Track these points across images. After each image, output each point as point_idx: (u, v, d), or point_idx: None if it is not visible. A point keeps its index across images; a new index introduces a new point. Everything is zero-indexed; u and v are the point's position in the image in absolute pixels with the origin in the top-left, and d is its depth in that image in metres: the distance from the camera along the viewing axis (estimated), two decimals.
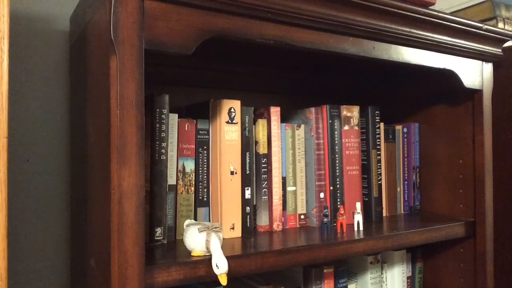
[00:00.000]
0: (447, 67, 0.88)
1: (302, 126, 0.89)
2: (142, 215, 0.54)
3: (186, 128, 0.77)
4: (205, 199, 0.78)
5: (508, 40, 0.94)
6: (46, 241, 0.86)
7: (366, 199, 0.94)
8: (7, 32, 0.46)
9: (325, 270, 0.86)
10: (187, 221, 0.67)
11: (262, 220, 0.83)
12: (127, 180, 0.53)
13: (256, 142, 0.83)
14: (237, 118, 0.77)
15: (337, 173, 0.89)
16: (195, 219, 0.77)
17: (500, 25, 1.09)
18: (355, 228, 0.83)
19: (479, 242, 0.93)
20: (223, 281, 0.57)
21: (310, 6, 0.67)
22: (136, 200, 0.54)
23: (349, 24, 0.72)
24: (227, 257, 0.58)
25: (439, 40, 0.84)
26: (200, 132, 0.78)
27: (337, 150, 0.89)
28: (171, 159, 0.74)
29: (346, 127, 0.91)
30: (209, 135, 0.79)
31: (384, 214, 0.99)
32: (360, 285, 0.95)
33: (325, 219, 0.81)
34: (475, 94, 0.94)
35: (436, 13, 0.80)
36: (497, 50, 0.94)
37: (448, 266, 1.00)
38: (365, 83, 1.18)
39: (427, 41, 0.82)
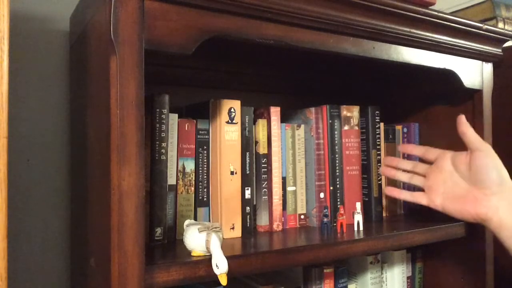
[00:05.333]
0: (447, 67, 0.88)
1: (302, 126, 0.89)
2: (142, 215, 0.54)
3: (186, 128, 0.77)
4: (205, 199, 0.78)
5: (508, 40, 0.94)
6: (46, 241, 0.86)
7: (366, 199, 0.94)
8: (7, 32, 0.46)
9: (325, 270, 0.86)
10: (187, 221, 0.66)
11: (262, 220, 0.83)
12: (127, 180, 0.53)
13: (256, 142, 0.83)
14: (237, 118, 0.77)
15: (337, 173, 0.89)
16: (195, 219, 0.77)
17: (500, 25, 1.09)
18: (355, 228, 0.83)
19: (479, 242, 0.93)
20: (223, 281, 0.57)
21: (310, 6, 0.67)
22: (136, 200, 0.54)
23: (349, 24, 0.72)
24: (227, 257, 0.58)
25: (439, 40, 0.84)
26: (200, 132, 0.78)
27: (337, 150, 0.89)
28: (171, 159, 0.74)
29: (346, 127, 0.91)
30: (209, 135, 0.79)
31: (384, 214, 0.99)
32: (360, 285, 0.95)
33: (325, 219, 0.81)
34: (475, 94, 0.94)
35: (436, 13, 0.80)
36: (497, 50, 0.94)
37: (448, 266, 1.00)
38: (365, 83, 1.18)
39: (427, 41, 0.82)
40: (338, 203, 0.89)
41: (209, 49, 0.71)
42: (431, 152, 0.85)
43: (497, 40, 0.93)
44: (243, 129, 0.79)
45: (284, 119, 0.87)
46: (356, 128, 0.92)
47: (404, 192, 0.88)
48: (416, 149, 0.89)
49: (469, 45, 0.88)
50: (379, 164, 0.95)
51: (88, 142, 0.69)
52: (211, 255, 0.59)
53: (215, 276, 0.58)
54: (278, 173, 0.84)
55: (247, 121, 0.80)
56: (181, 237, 0.74)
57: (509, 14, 1.11)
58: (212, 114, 0.78)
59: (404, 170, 0.89)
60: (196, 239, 0.61)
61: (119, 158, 0.53)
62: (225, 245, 0.69)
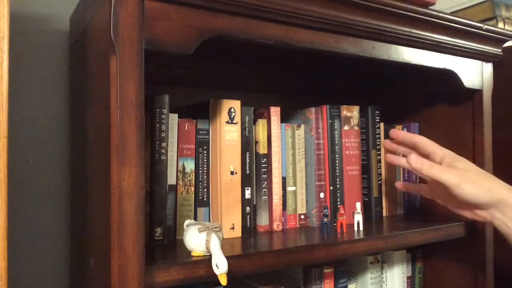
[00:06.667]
0: (447, 67, 0.88)
1: (302, 126, 0.89)
2: (142, 215, 0.54)
3: (186, 128, 0.77)
4: (205, 199, 0.78)
5: (508, 40, 0.94)
6: (46, 241, 0.86)
7: (366, 199, 0.94)
8: (7, 32, 0.46)
9: (325, 270, 0.86)
10: (187, 221, 0.67)
11: (262, 220, 0.83)
12: (127, 180, 0.53)
13: (256, 142, 0.83)
14: (237, 118, 0.77)
15: (337, 173, 0.89)
16: (195, 219, 0.77)
17: (500, 25, 1.09)
18: (355, 228, 0.83)
19: (479, 242, 0.93)
20: (223, 281, 0.57)
21: (310, 6, 0.67)
22: (136, 200, 0.54)
23: (349, 24, 0.72)
24: (227, 257, 0.58)
25: (439, 40, 0.84)
26: (200, 132, 0.78)
27: (337, 150, 0.89)
28: (171, 159, 0.74)
29: (346, 127, 0.91)
30: (209, 135, 0.79)
31: (384, 214, 0.99)
32: (360, 285, 0.95)
33: (325, 219, 0.81)
34: (475, 94, 0.94)
35: (436, 13, 0.80)
36: (497, 50, 0.94)
37: (448, 266, 1.00)
38: (365, 83, 1.18)
39: (427, 41, 0.82)
40: (338, 203, 0.89)
41: (209, 49, 0.71)
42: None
43: (497, 40, 0.93)
44: (243, 129, 0.79)
45: (284, 119, 0.87)
46: (356, 128, 0.92)
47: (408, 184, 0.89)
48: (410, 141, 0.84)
49: (469, 45, 0.88)
50: (379, 164, 0.95)
51: (88, 142, 0.69)
52: (211, 255, 0.59)
53: (215, 276, 0.58)
54: (278, 173, 0.84)
55: (247, 121, 0.80)
56: (181, 237, 0.74)
57: (509, 14, 1.11)
58: (212, 114, 0.78)
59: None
60: (196, 239, 0.61)
61: (119, 158, 0.53)
62: (225, 245, 0.69)
